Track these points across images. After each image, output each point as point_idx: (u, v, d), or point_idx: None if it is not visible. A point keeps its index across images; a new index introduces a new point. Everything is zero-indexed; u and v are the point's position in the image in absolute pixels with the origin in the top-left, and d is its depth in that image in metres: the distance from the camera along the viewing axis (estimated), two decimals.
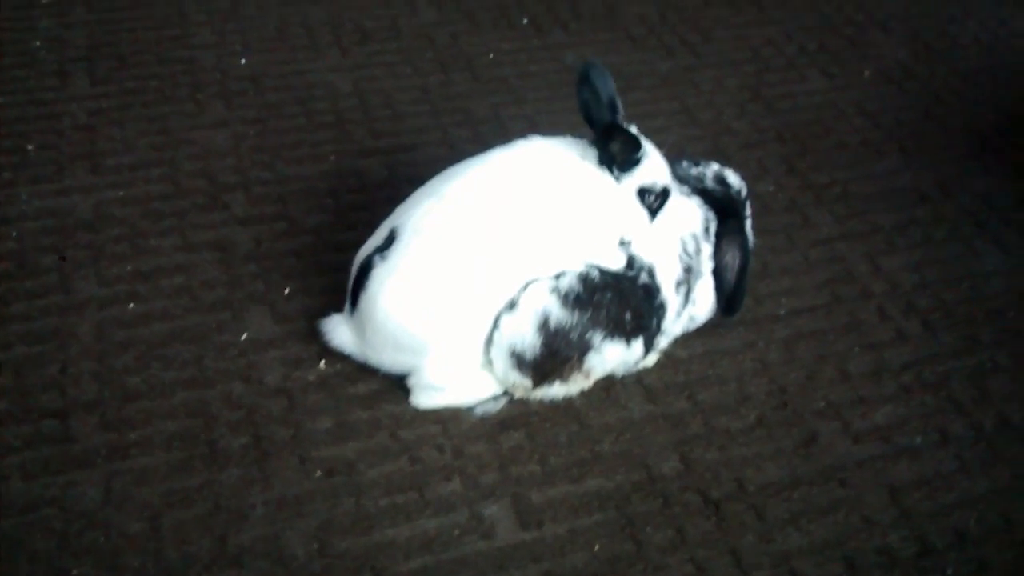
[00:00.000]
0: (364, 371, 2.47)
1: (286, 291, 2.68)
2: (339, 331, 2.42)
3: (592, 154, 2.37)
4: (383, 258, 2.30)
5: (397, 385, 2.43)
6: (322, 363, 2.50)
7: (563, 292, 2.28)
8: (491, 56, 3.62)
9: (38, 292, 2.62)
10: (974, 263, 2.95)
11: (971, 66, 3.78)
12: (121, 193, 2.93)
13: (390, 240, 2.31)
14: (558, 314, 2.28)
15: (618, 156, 2.33)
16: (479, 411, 2.41)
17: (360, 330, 2.38)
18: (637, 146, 2.33)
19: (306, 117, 3.28)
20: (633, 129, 2.36)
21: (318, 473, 2.27)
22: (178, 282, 2.68)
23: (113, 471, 2.23)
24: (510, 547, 2.16)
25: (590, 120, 2.40)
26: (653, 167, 2.38)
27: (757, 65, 3.70)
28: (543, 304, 2.28)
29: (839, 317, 2.74)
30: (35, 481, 2.20)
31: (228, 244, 2.80)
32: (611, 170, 2.35)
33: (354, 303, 2.36)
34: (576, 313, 2.28)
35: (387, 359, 2.39)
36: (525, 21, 3.82)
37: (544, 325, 2.28)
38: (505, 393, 2.43)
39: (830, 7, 4.06)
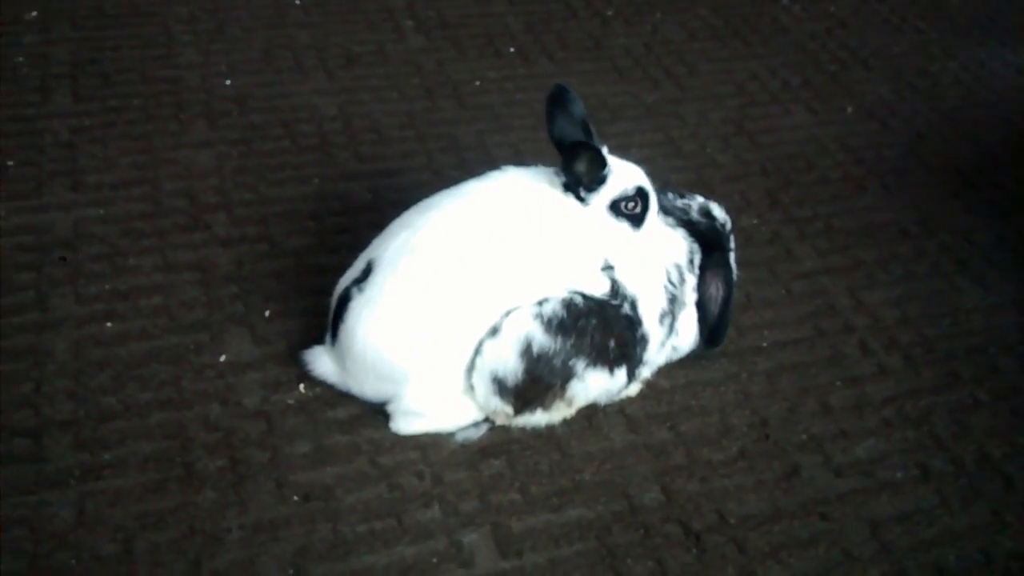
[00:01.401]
0: (343, 396, 2.45)
1: (266, 313, 2.65)
2: (321, 361, 2.42)
3: (559, 181, 2.36)
4: (360, 290, 2.29)
5: (377, 411, 2.41)
6: (301, 386, 2.47)
7: (546, 318, 2.27)
8: (477, 83, 3.63)
9: (14, 309, 2.58)
10: (955, 299, 2.96)
11: (952, 105, 3.83)
12: (101, 211, 2.91)
13: (367, 272, 2.30)
14: (541, 340, 2.26)
15: (585, 176, 2.32)
16: (460, 437, 2.39)
17: (341, 361, 2.36)
18: (603, 162, 2.31)
19: (290, 139, 3.27)
20: (604, 149, 2.35)
21: (295, 498, 2.23)
22: (157, 302, 2.65)
23: (86, 492, 2.19)
24: None
25: (560, 143, 2.38)
26: (622, 177, 2.36)
27: (741, 99, 3.73)
28: (526, 330, 2.26)
29: (821, 350, 2.75)
30: (5, 500, 2.15)
31: (209, 265, 2.78)
32: (577, 193, 2.34)
33: (334, 335, 2.36)
34: (559, 339, 2.27)
35: (369, 389, 2.37)
36: (512, 50, 3.83)
37: (527, 351, 2.26)
38: (486, 420, 2.41)
39: (814, 44, 4.11)
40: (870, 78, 3.94)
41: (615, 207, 2.36)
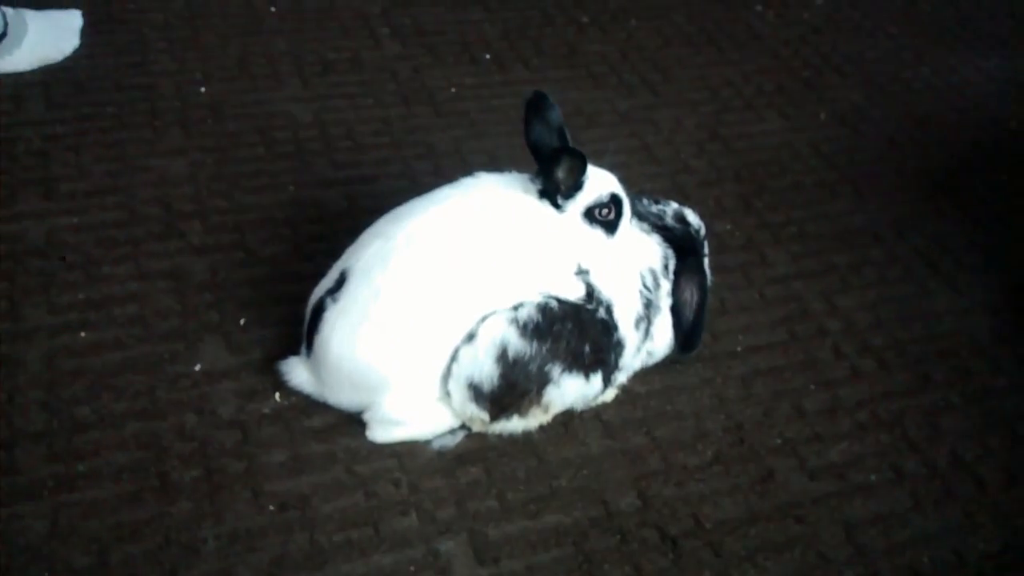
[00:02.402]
0: (319, 404, 2.44)
1: (242, 321, 2.64)
2: (297, 372, 2.41)
3: (533, 187, 2.37)
4: (334, 300, 2.29)
5: (354, 419, 2.40)
6: (277, 395, 2.46)
7: (522, 322, 2.27)
8: (453, 90, 3.63)
9: None
10: (927, 303, 2.99)
11: (924, 110, 3.87)
12: (75, 220, 2.89)
13: (340, 282, 2.30)
14: (516, 344, 2.27)
15: (564, 182, 2.32)
16: (436, 445, 2.39)
17: (316, 371, 2.36)
18: (583, 169, 2.32)
19: (266, 147, 3.26)
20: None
21: (271, 507, 2.23)
22: (131, 311, 2.64)
23: (60, 503, 2.17)
24: None
25: (537, 150, 2.39)
26: (596, 184, 2.37)
27: (716, 105, 3.75)
28: (501, 334, 2.26)
29: (795, 355, 2.77)
30: None
31: (183, 273, 2.76)
32: (553, 200, 2.35)
33: (309, 346, 2.36)
34: (535, 343, 2.27)
35: (345, 398, 2.38)
36: (487, 57, 3.84)
37: (503, 356, 2.26)
38: (463, 427, 2.41)
39: (787, 50, 4.14)
40: (843, 84, 3.97)
41: (589, 214, 2.37)
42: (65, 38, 3.54)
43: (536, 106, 2.40)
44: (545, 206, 2.36)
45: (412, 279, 2.25)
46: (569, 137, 2.41)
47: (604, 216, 2.38)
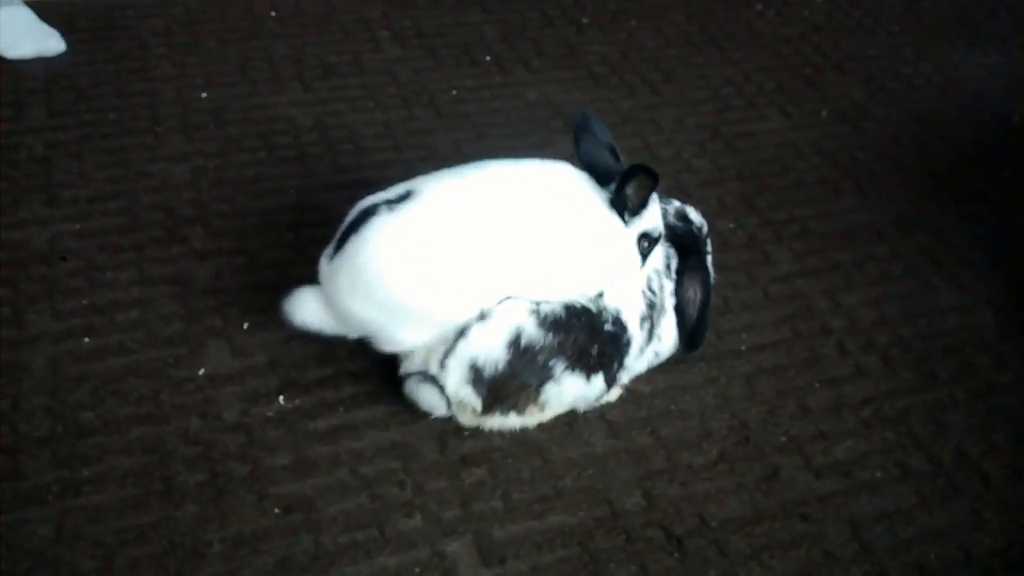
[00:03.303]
0: (324, 406, 2.45)
1: (245, 325, 2.64)
2: (308, 305, 2.35)
3: (605, 194, 2.36)
4: (391, 209, 2.24)
5: (358, 421, 2.40)
6: (281, 398, 2.46)
7: (542, 313, 2.26)
8: (454, 92, 3.63)
9: None
10: (931, 300, 2.99)
11: (925, 107, 3.86)
12: (77, 226, 2.89)
13: (403, 197, 2.26)
14: (532, 333, 2.25)
15: (631, 200, 2.32)
16: (420, 399, 2.36)
17: (333, 280, 2.29)
18: (653, 187, 2.32)
19: (267, 151, 3.26)
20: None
21: (276, 510, 2.23)
22: (135, 316, 2.64)
23: (65, 508, 2.18)
24: None
25: (592, 166, 2.40)
26: (655, 213, 2.40)
27: (717, 104, 3.75)
28: (519, 321, 2.25)
29: (799, 353, 2.76)
30: None
31: (186, 278, 2.77)
32: (621, 214, 2.35)
33: (340, 246, 2.28)
34: (549, 335, 2.26)
35: (354, 312, 2.29)
36: (488, 58, 3.84)
37: (514, 342, 2.25)
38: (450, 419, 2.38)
39: (788, 48, 4.13)
40: (844, 81, 3.97)
41: (640, 239, 2.39)
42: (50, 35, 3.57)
43: (585, 126, 2.44)
44: (614, 216, 2.35)
45: (470, 223, 2.23)
46: (620, 153, 2.44)
47: (644, 248, 2.40)
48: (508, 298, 2.27)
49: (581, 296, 2.34)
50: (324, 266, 2.35)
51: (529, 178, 2.34)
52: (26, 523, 2.14)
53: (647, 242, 2.40)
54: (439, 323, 2.28)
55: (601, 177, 2.37)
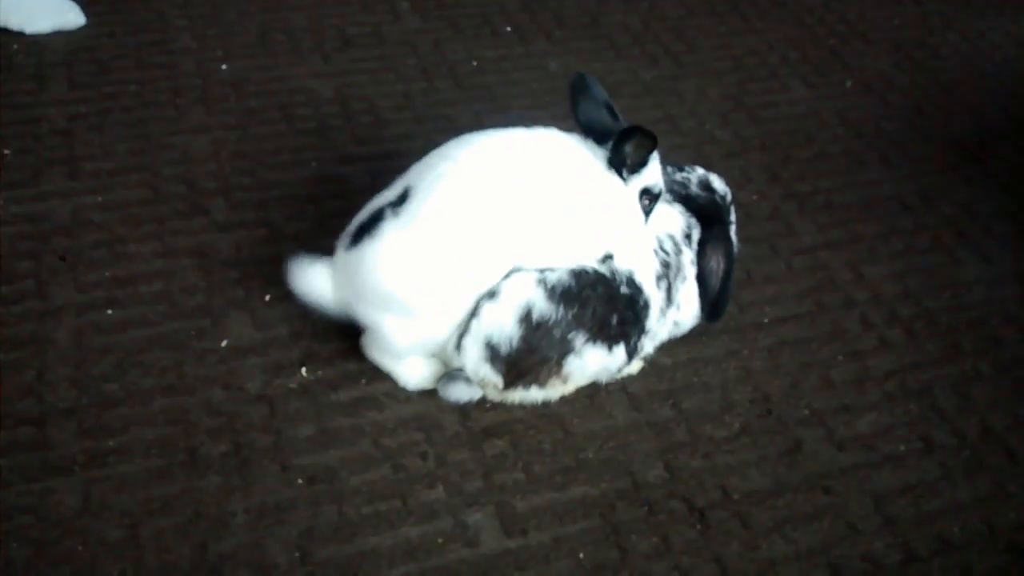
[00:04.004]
0: (346, 378, 2.45)
1: (267, 298, 2.65)
2: (319, 278, 2.36)
3: (601, 153, 2.35)
4: (395, 214, 2.25)
5: (380, 393, 2.41)
6: (303, 370, 2.47)
7: (550, 285, 2.25)
8: (474, 63, 3.61)
9: (14, 298, 2.58)
10: (956, 272, 2.96)
11: (952, 77, 3.81)
12: (99, 198, 2.90)
13: (403, 198, 2.27)
14: (542, 307, 2.24)
15: (631, 157, 2.33)
16: (451, 396, 2.36)
17: (350, 274, 2.31)
18: (653, 146, 2.32)
19: (287, 123, 3.26)
20: None
21: (300, 481, 2.24)
22: (157, 288, 2.65)
23: (91, 478, 2.20)
24: (494, 555, 2.14)
25: (590, 126, 2.39)
26: (654, 170, 2.39)
27: (740, 75, 3.71)
28: (527, 295, 2.25)
29: (822, 325, 2.75)
30: (11, 489, 2.16)
31: (208, 250, 2.77)
32: (620, 172, 2.35)
33: (356, 243, 2.29)
34: (561, 308, 2.25)
35: (367, 311, 2.33)
36: (508, 29, 3.81)
37: (526, 317, 2.24)
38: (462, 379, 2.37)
39: (812, 18, 4.08)
40: (869, 51, 3.92)
41: (641, 195, 2.38)
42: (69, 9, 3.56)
43: (581, 86, 2.42)
44: (613, 175, 2.35)
45: (470, 210, 2.23)
46: (618, 111, 2.42)
47: (646, 205, 2.39)
48: (515, 271, 2.27)
49: (589, 258, 2.33)
50: (340, 252, 2.36)
51: (521, 148, 2.33)
52: (53, 492, 2.16)
53: (648, 199, 2.39)
54: (455, 318, 2.30)
55: (600, 137, 2.36)
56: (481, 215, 2.23)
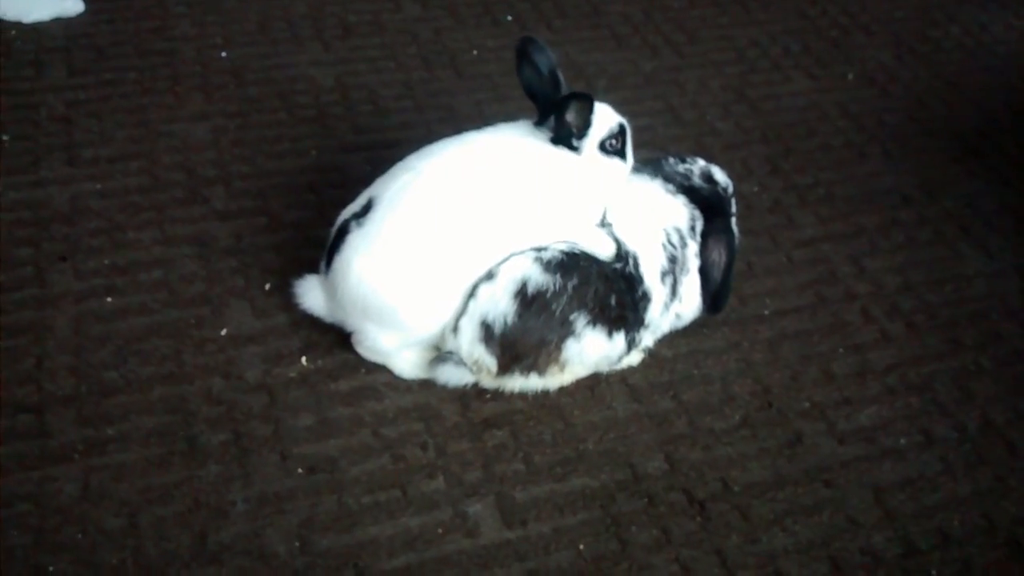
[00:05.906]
0: (346, 367, 2.45)
1: (267, 286, 2.64)
2: (312, 292, 2.42)
3: (543, 135, 2.38)
4: (359, 224, 2.31)
5: (379, 383, 2.40)
6: (303, 359, 2.46)
7: (546, 259, 2.27)
8: (475, 52, 3.60)
9: (13, 285, 2.57)
10: (957, 266, 2.95)
11: (954, 70, 3.80)
12: (99, 186, 2.88)
13: (367, 208, 2.32)
14: (538, 278, 2.25)
15: (575, 123, 2.34)
16: (442, 378, 2.37)
17: (331, 290, 2.37)
18: (591, 107, 2.34)
19: (287, 111, 3.24)
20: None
21: (299, 470, 2.23)
22: (156, 276, 2.64)
23: (90, 466, 2.19)
24: (494, 546, 2.14)
25: (534, 96, 2.41)
26: (602, 118, 2.40)
27: (742, 66, 3.70)
28: (523, 270, 2.26)
29: (823, 318, 2.74)
30: (10, 476, 2.15)
31: (207, 238, 2.76)
32: (568, 144, 2.36)
33: (328, 264, 2.37)
34: (559, 278, 2.25)
35: (353, 320, 2.39)
36: (509, 18, 3.79)
37: (521, 292, 2.24)
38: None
39: (814, 10, 4.07)
40: (871, 43, 3.90)
41: (603, 147, 2.40)
42: None
43: (524, 53, 2.40)
44: (562, 151, 2.37)
45: (433, 214, 2.27)
46: (562, 79, 2.41)
47: (614, 147, 2.41)
48: (513, 255, 2.29)
49: (584, 233, 2.35)
50: (321, 281, 2.42)
51: (475, 153, 2.37)
52: (53, 480, 2.15)
53: (613, 139, 2.41)
54: (436, 313, 2.34)
55: (543, 107, 2.39)
56: (443, 219, 2.27)
